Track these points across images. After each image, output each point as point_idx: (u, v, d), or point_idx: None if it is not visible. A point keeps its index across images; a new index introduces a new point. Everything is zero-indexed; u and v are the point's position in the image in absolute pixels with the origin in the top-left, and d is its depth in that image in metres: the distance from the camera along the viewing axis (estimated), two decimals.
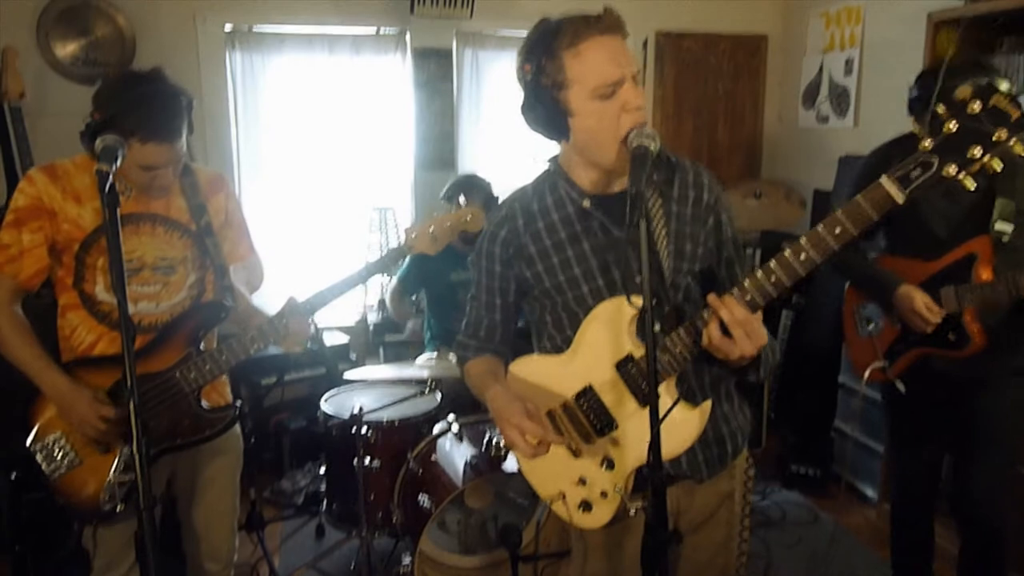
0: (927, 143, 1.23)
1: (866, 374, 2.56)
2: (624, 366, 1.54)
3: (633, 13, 4.59)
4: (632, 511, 1.48)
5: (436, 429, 2.92)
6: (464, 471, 2.66)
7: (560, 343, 1.66)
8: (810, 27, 4.63)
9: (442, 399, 3.10)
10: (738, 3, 4.80)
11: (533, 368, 1.69)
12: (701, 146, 4.98)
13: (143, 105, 1.84)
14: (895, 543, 2.84)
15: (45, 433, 1.99)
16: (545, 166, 1.74)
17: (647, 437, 1.34)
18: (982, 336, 2.30)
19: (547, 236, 1.64)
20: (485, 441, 2.70)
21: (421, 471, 2.78)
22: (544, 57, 1.47)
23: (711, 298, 1.41)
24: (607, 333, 1.52)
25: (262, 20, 4.24)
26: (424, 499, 2.64)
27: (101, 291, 2.01)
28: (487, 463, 2.67)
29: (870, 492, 3.74)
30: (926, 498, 2.70)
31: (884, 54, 4.05)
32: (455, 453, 2.77)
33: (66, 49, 3.91)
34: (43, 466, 1.99)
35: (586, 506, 1.64)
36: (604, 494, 1.61)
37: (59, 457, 1.98)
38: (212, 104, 4.20)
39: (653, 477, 1.38)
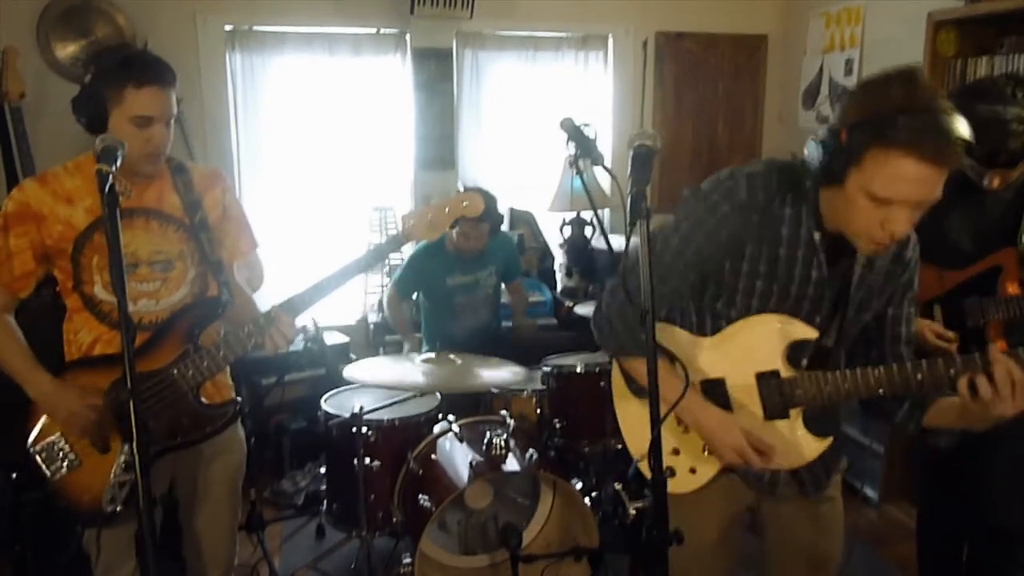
0: None
1: None
2: (765, 379, 1.63)
3: (633, 13, 4.64)
4: (632, 511, 1.50)
5: (436, 429, 2.92)
6: (464, 471, 2.66)
7: (707, 326, 1.70)
8: (810, 27, 4.63)
9: (442, 399, 3.10)
10: (738, 3, 4.81)
11: (673, 339, 1.73)
12: (701, 147, 4.98)
13: (134, 55, 1.93)
14: (923, 559, 2.76)
15: (45, 435, 1.98)
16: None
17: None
18: (1005, 350, 2.26)
19: (768, 245, 1.60)
20: (485, 441, 2.70)
21: (421, 471, 2.78)
22: (861, 134, 1.40)
23: (993, 351, 1.45)
24: (763, 342, 1.61)
25: (262, 20, 4.24)
26: (424, 499, 2.64)
27: (100, 290, 2.00)
28: (487, 463, 2.66)
29: (871, 493, 3.74)
30: (954, 510, 2.60)
31: (884, 54, 4.05)
32: (455, 453, 2.77)
33: (66, 49, 3.91)
34: (44, 468, 1.98)
35: (671, 472, 1.74)
36: (693, 471, 1.73)
37: (59, 458, 1.97)
38: (212, 104, 4.21)
39: (653, 478, 1.43)
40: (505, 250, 3.86)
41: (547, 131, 4.47)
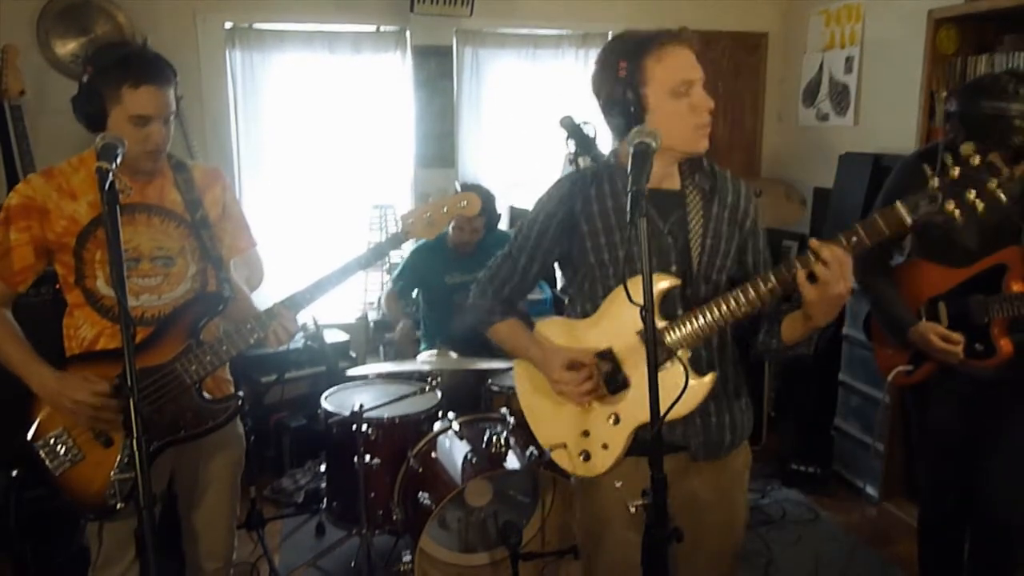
0: (935, 183, 1.53)
1: (890, 377, 2.51)
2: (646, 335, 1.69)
3: (633, 11, 4.63)
4: (632, 509, 1.51)
5: (436, 427, 2.93)
6: (464, 469, 2.66)
7: (588, 309, 1.85)
8: (810, 25, 4.63)
9: (442, 397, 3.10)
10: (738, 1, 4.81)
11: (559, 328, 1.90)
12: None
13: (133, 54, 1.94)
14: (924, 555, 2.76)
15: (47, 429, 1.98)
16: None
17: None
18: (1009, 347, 2.26)
19: (599, 219, 1.80)
20: (485, 439, 2.70)
21: (421, 469, 2.78)
22: (629, 59, 1.71)
23: (813, 242, 1.59)
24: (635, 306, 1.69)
25: (262, 18, 4.24)
26: (424, 497, 2.64)
27: (102, 285, 2.00)
28: (487, 461, 2.67)
29: (870, 490, 3.74)
30: (957, 505, 2.59)
31: (884, 52, 4.05)
32: (455, 451, 2.78)
33: (66, 47, 3.91)
34: (46, 462, 1.98)
35: (586, 456, 1.84)
36: (605, 446, 1.81)
37: (62, 452, 1.97)
38: (212, 102, 4.20)
39: (654, 478, 1.46)
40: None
41: (547, 129, 4.47)
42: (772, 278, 1.63)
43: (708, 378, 1.72)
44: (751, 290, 1.65)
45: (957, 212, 1.52)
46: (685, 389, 1.55)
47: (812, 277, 1.58)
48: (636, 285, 1.68)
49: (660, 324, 1.71)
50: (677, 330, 1.70)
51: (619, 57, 1.73)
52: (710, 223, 1.79)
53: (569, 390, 1.78)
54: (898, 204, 1.54)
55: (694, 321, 1.69)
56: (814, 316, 1.65)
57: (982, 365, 2.30)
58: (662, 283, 1.71)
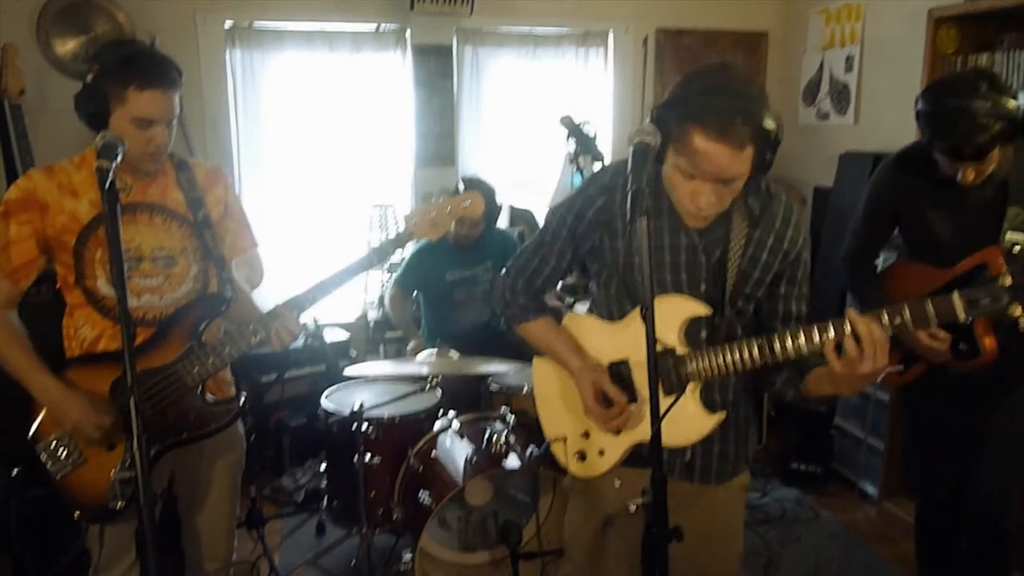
0: (1007, 280, 1.40)
1: (880, 377, 2.53)
2: (663, 356, 1.67)
3: (633, 10, 4.64)
4: (632, 508, 1.51)
5: (437, 426, 2.92)
6: (464, 468, 2.66)
7: (614, 313, 1.81)
8: (810, 24, 4.63)
9: (443, 396, 3.10)
10: (738, 0, 4.80)
11: (584, 326, 1.88)
12: None
13: (140, 55, 1.91)
14: (921, 553, 2.78)
15: (47, 432, 1.97)
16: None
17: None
18: (993, 346, 2.26)
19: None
20: (486, 438, 2.70)
21: (421, 468, 2.78)
22: (675, 116, 1.51)
23: (851, 313, 1.48)
24: (661, 322, 1.63)
25: (262, 17, 4.24)
26: (424, 496, 2.64)
27: (103, 285, 1.99)
28: (487, 460, 2.67)
29: (870, 489, 3.74)
30: (951, 502, 2.61)
31: (885, 51, 4.05)
32: (456, 450, 2.77)
33: (66, 46, 3.91)
34: (48, 466, 1.97)
35: (582, 456, 1.85)
36: (602, 452, 1.81)
37: (63, 456, 1.96)
38: (212, 101, 4.20)
39: (654, 477, 1.45)
40: (502, 245, 3.86)
41: (547, 128, 4.47)
42: (801, 338, 1.54)
43: (716, 417, 1.68)
44: (777, 343, 1.57)
45: (1023, 319, 1.40)
46: (672, 410, 1.51)
47: (840, 349, 1.48)
48: (664, 303, 1.67)
49: (681, 351, 1.67)
50: (696, 361, 1.65)
51: (667, 108, 1.54)
52: (750, 248, 1.69)
53: (598, 424, 1.77)
54: (956, 297, 1.44)
55: (714, 359, 1.63)
56: (838, 386, 1.59)
57: (969, 365, 2.31)
58: (692, 309, 1.67)
